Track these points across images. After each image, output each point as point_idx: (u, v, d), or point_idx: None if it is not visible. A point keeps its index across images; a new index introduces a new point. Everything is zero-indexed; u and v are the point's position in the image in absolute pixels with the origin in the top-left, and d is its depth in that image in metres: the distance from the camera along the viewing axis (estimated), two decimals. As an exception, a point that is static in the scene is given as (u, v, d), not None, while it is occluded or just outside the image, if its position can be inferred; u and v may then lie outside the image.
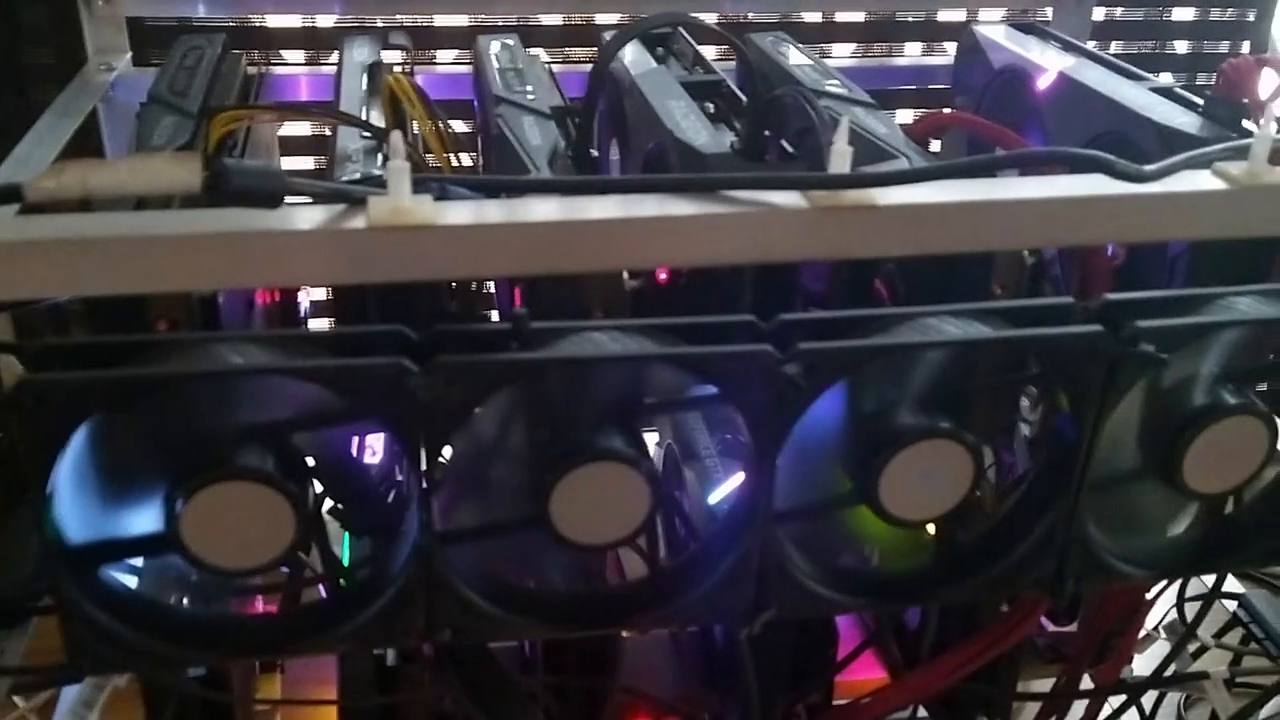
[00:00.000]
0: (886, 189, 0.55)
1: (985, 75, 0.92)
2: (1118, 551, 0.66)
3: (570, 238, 0.52)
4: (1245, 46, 1.59)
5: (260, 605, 0.70)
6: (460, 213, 0.52)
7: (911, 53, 1.49)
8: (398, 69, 0.89)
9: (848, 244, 0.55)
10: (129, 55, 0.92)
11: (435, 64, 1.32)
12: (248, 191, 0.49)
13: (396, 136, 0.49)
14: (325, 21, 1.30)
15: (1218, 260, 0.69)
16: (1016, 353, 0.60)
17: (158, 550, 0.57)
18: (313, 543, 0.61)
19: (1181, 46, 1.61)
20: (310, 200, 0.52)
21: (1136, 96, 0.76)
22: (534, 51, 1.32)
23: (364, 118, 0.71)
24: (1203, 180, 0.58)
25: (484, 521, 0.61)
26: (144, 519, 0.56)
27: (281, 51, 1.27)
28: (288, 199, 0.51)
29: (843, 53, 1.47)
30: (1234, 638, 0.88)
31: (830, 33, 1.45)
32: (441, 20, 1.33)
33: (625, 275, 0.64)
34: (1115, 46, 1.58)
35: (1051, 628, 0.96)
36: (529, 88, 0.79)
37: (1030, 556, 0.64)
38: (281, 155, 1.18)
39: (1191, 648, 0.84)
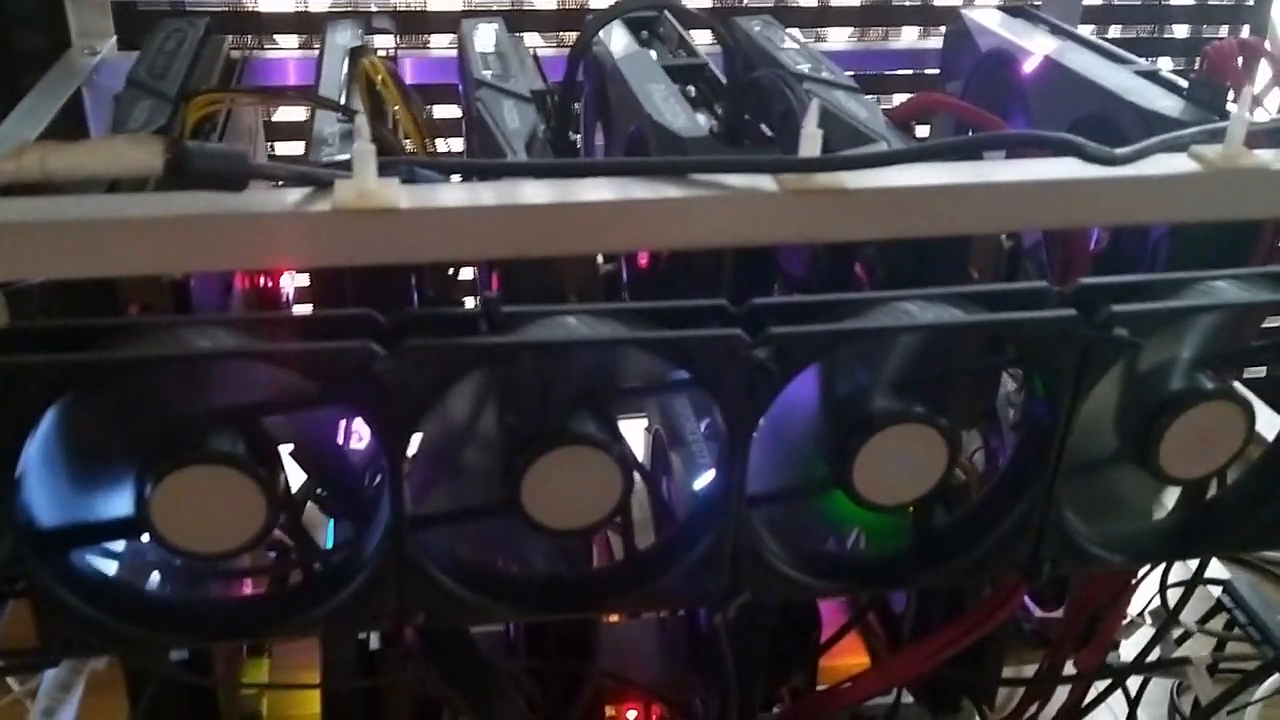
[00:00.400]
0: (857, 172, 0.54)
1: (973, 59, 0.92)
2: (1094, 536, 0.66)
3: (534, 222, 0.52)
4: (1245, 30, 1.58)
5: (249, 588, 0.71)
6: (425, 196, 0.51)
7: (909, 37, 1.48)
8: (382, 53, 0.88)
9: (818, 228, 0.55)
10: (114, 39, 0.92)
11: (429, 48, 1.31)
12: (211, 174, 0.48)
13: (361, 119, 0.49)
14: (319, 5, 1.30)
15: (1199, 243, 0.69)
16: (992, 337, 0.60)
17: (129, 534, 0.57)
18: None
19: (1181, 31, 1.60)
20: (280, 183, 0.52)
21: (1120, 80, 0.76)
22: (527, 36, 1.35)
23: (342, 102, 0.71)
24: (1178, 163, 0.58)
25: (458, 505, 0.61)
26: (116, 503, 0.56)
27: (274, 36, 1.27)
28: (255, 182, 0.51)
29: (839, 37, 1.46)
30: (1219, 623, 0.88)
31: (826, 16, 1.44)
32: (436, 4, 1.33)
33: (600, 259, 0.63)
34: (1114, 30, 1.57)
35: (1039, 613, 0.97)
36: (511, 71, 0.78)
37: (1006, 541, 0.64)
38: (280, 141, 1.18)
39: (1176, 633, 0.84)
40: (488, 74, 0.77)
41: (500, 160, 0.64)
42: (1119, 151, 0.56)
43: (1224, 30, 1.59)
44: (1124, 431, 0.64)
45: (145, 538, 0.55)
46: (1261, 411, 0.69)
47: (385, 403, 0.53)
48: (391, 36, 0.89)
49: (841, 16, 1.45)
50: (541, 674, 0.80)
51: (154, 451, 0.54)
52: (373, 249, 0.51)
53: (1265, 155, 0.58)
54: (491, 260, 0.60)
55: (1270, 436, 0.69)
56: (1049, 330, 0.58)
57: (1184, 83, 0.75)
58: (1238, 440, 0.63)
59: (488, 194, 0.53)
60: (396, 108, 0.65)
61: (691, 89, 0.78)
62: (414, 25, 1.32)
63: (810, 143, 0.54)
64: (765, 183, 0.55)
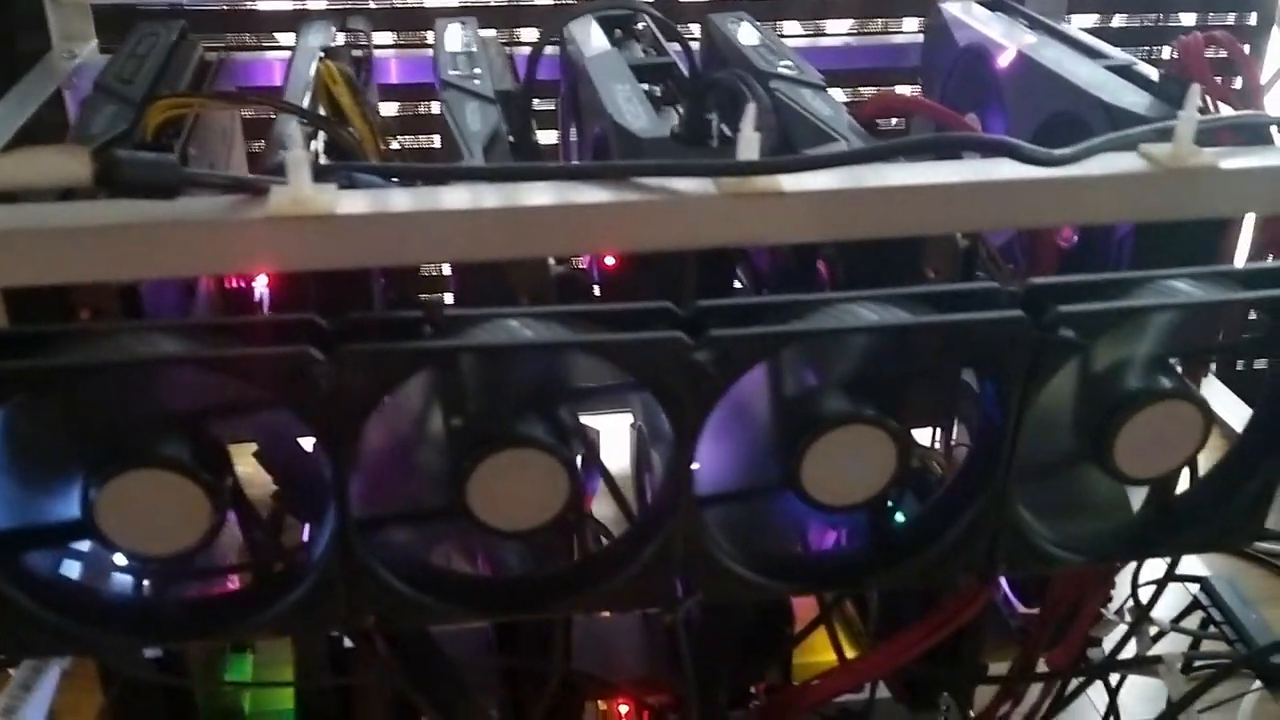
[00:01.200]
0: (796, 175, 0.54)
1: (951, 54, 0.91)
2: (1053, 536, 0.65)
3: (471, 226, 0.53)
4: (1252, 18, 1.57)
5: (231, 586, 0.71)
6: (360, 202, 0.52)
7: (910, 29, 1.47)
8: (356, 53, 0.89)
9: (756, 230, 0.55)
10: (94, 42, 0.92)
11: (426, 46, 1.31)
12: (142, 183, 0.49)
13: (293, 126, 0.50)
14: (318, 3, 1.31)
15: (1163, 242, 0.69)
16: (943, 338, 0.60)
17: (78, 537, 0.57)
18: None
19: (1188, 19, 1.58)
20: (220, 191, 0.53)
21: (1089, 75, 0.75)
22: (524, 32, 1.35)
23: (307, 104, 0.71)
24: (1126, 162, 0.58)
25: (410, 507, 0.61)
26: (66, 505, 0.57)
27: (260, 37, 1.28)
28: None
29: (839, 29, 1.45)
30: (1194, 621, 0.87)
31: (826, 8, 1.44)
32: (431, 1, 1.33)
33: (552, 261, 0.64)
34: (1119, 20, 1.55)
35: (1022, 610, 0.96)
36: (477, 70, 0.79)
37: (961, 542, 0.63)
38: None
39: (1154, 631, 0.84)
40: (454, 74, 0.77)
41: (436, 165, 0.65)
42: (1060, 152, 0.55)
43: (1230, 18, 1.58)
44: (1081, 431, 0.64)
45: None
46: (1238, 407, 0.69)
47: (324, 407, 0.53)
48: (365, 36, 0.90)
49: (843, 8, 1.44)
50: (518, 672, 0.81)
51: (99, 455, 0.54)
52: (308, 255, 0.51)
53: (1214, 154, 0.57)
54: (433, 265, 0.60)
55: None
56: (996, 331, 0.58)
57: (1156, 77, 0.75)
58: (1194, 439, 0.63)
59: (425, 199, 0.53)
60: (346, 110, 0.65)
61: (659, 89, 0.78)
62: (412, 22, 1.32)
63: (748, 145, 0.54)
64: (705, 186, 0.55)
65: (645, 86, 0.77)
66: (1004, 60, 0.83)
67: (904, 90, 1.19)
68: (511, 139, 0.72)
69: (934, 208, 0.55)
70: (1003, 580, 0.94)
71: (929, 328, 0.58)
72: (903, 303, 0.59)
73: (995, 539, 0.63)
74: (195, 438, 0.56)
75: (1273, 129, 0.64)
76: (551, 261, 0.63)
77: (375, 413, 0.56)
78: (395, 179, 0.56)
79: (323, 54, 0.83)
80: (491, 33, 1.09)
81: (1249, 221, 0.76)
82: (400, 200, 0.53)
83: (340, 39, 0.86)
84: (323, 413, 0.53)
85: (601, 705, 0.98)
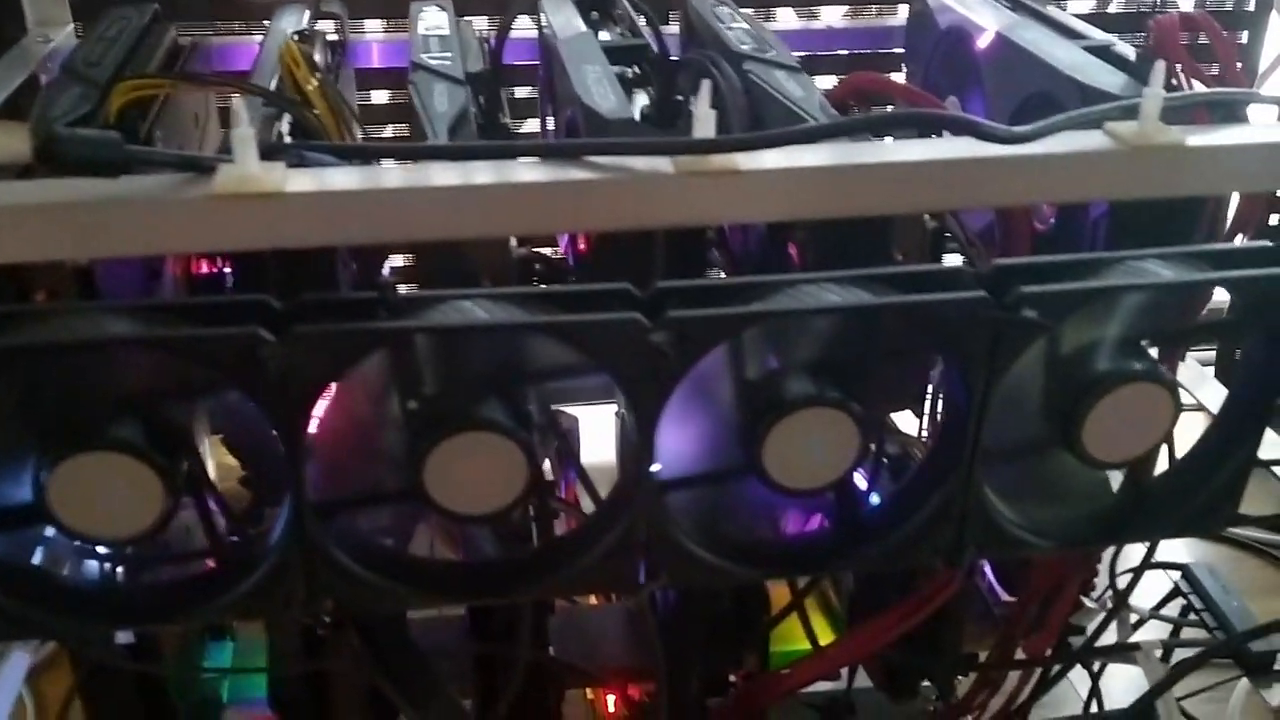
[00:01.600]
0: (753, 153, 0.54)
1: (933, 37, 0.90)
2: (1022, 521, 0.64)
3: (418, 205, 0.52)
4: (1251, 2, 1.55)
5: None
6: (307, 181, 0.51)
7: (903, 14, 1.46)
8: (332, 37, 0.88)
9: (713, 210, 0.54)
10: (70, 27, 0.92)
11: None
12: (85, 160, 0.48)
13: (239, 103, 0.49)
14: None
15: (1138, 223, 0.68)
16: (905, 319, 0.59)
17: (32, 521, 0.57)
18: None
19: (1185, 3, 1.57)
20: (168, 169, 0.52)
21: (1066, 56, 0.74)
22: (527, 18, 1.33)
23: (275, 87, 0.71)
24: (1090, 140, 0.57)
25: (367, 492, 0.61)
26: (19, 489, 0.57)
27: (242, 23, 1.27)
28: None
29: (833, 15, 1.44)
30: (1175, 609, 0.87)
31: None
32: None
33: (514, 242, 0.63)
34: (1115, 3, 1.54)
35: (1006, 597, 0.95)
36: (449, 53, 0.78)
37: (927, 526, 0.63)
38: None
39: (1135, 619, 0.83)
40: (425, 56, 0.77)
41: (389, 143, 0.64)
42: (1021, 129, 0.54)
43: (1229, 2, 1.56)
44: (1050, 414, 0.63)
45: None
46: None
47: (274, 389, 0.53)
48: (339, 19, 0.89)
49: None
50: (493, 661, 0.81)
51: (51, 438, 0.54)
52: (254, 234, 0.50)
53: (1182, 132, 0.57)
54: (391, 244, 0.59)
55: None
56: (958, 312, 0.57)
57: (1134, 58, 0.74)
58: (1164, 423, 0.62)
59: (373, 178, 0.53)
60: (308, 91, 0.64)
61: (632, 71, 0.77)
62: (398, 7, 1.32)
63: (704, 124, 0.54)
64: (662, 165, 0.54)
65: (620, 69, 0.76)
66: (983, 42, 0.82)
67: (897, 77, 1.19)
68: (481, 122, 0.72)
69: (891, 186, 0.54)
70: (987, 568, 0.94)
71: (890, 309, 0.57)
72: (866, 284, 0.58)
73: (963, 523, 0.63)
74: (150, 421, 0.56)
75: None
76: (514, 244, 0.63)
77: (341, 395, 0.56)
78: (347, 158, 0.55)
79: (296, 37, 0.83)
80: (481, 20, 1.09)
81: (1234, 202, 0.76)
82: (348, 179, 0.52)
83: (315, 23, 0.86)
84: (273, 394, 0.53)
85: (589, 695, 0.98)
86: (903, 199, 0.55)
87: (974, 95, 0.85)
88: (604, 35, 0.86)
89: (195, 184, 0.50)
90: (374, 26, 1.18)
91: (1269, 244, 0.61)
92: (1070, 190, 0.57)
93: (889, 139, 0.62)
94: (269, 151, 0.53)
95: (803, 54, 0.82)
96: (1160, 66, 0.56)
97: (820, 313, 0.57)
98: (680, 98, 0.72)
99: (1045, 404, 0.63)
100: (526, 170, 0.53)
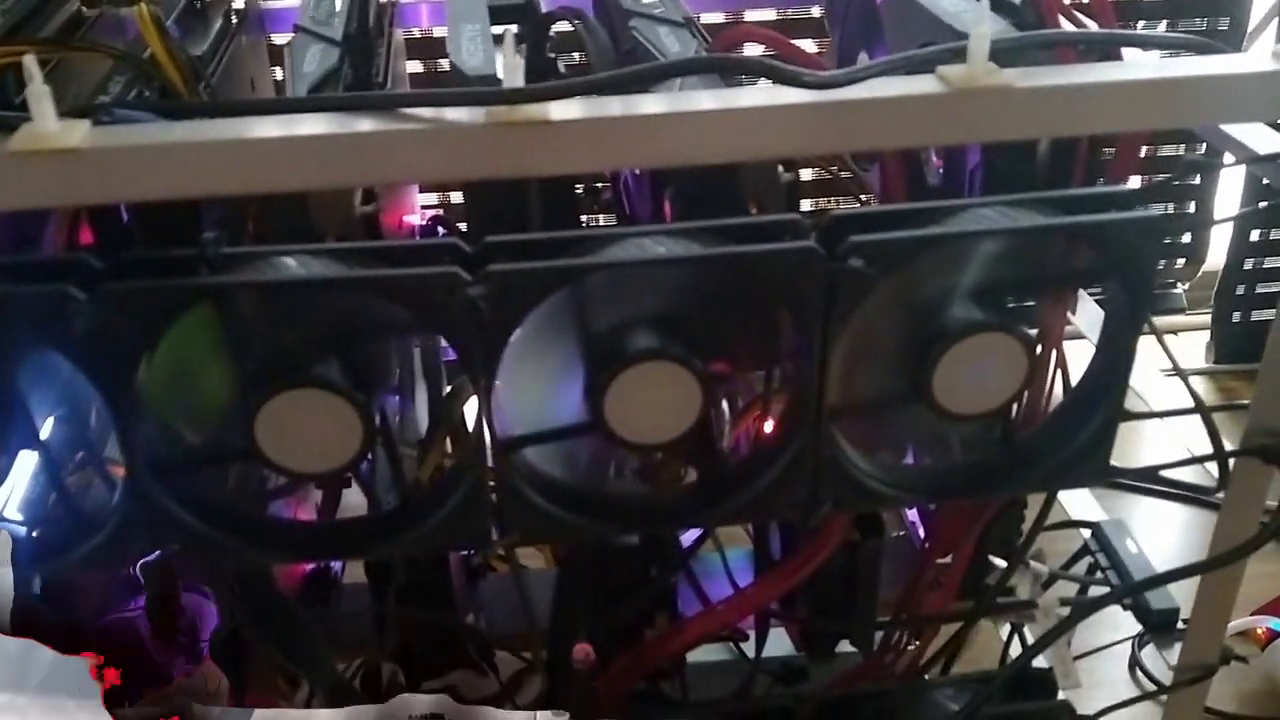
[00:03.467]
0: (564, 102, 0.53)
1: (847, -6, 0.89)
2: (882, 474, 0.64)
3: (225, 159, 0.52)
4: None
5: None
6: (111, 136, 0.51)
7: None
8: (238, 4, 0.89)
9: (524, 161, 0.54)
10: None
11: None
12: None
13: (30, 60, 0.49)
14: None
15: (1012, 171, 0.67)
16: (735, 270, 0.58)
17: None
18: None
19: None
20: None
21: (949, 4, 0.73)
22: None
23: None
24: (919, 85, 0.56)
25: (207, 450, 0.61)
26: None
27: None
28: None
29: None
30: (1083, 568, 0.85)
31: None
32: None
33: (357, 200, 0.63)
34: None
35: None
36: (335, 15, 0.78)
37: (781, 480, 0.62)
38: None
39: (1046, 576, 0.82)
40: (306, 19, 0.77)
41: (204, 101, 0.64)
42: (833, 74, 0.53)
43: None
44: (901, 366, 0.62)
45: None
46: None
47: (88, 347, 0.53)
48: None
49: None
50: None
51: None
52: (50, 191, 0.51)
53: (1011, 74, 0.55)
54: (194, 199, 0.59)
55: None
56: (787, 262, 0.56)
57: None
58: (1018, 374, 0.61)
59: (182, 132, 0.53)
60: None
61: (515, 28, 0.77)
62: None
63: (513, 74, 0.53)
64: (476, 115, 0.54)
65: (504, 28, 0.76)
66: (883, -5, 0.81)
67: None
68: (349, 82, 0.72)
69: (704, 135, 0.53)
70: (918, 524, 0.93)
71: (717, 259, 0.57)
72: (699, 236, 0.58)
73: (816, 477, 0.62)
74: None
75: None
76: (358, 201, 0.63)
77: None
78: (160, 115, 0.55)
79: (199, 5, 0.84)
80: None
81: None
82: (151, 133, 0.52)
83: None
84: (88, 352, 0.53)
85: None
86: (710, 148, 0.54)
87: (879, 50, 0.84)
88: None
89: (-4, 143, 0.51)
90: None
91: (1121, 189, 0.60)
92: (888, 136, 0.56)
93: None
94: (82, 111, 0.53)
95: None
96: (985, 5, 0.55)
97: (649, 265, 0.57)
98: (551, 55, 0.71)
99: (898, 355, 0.62)
100: (328, 122, 0.53)
